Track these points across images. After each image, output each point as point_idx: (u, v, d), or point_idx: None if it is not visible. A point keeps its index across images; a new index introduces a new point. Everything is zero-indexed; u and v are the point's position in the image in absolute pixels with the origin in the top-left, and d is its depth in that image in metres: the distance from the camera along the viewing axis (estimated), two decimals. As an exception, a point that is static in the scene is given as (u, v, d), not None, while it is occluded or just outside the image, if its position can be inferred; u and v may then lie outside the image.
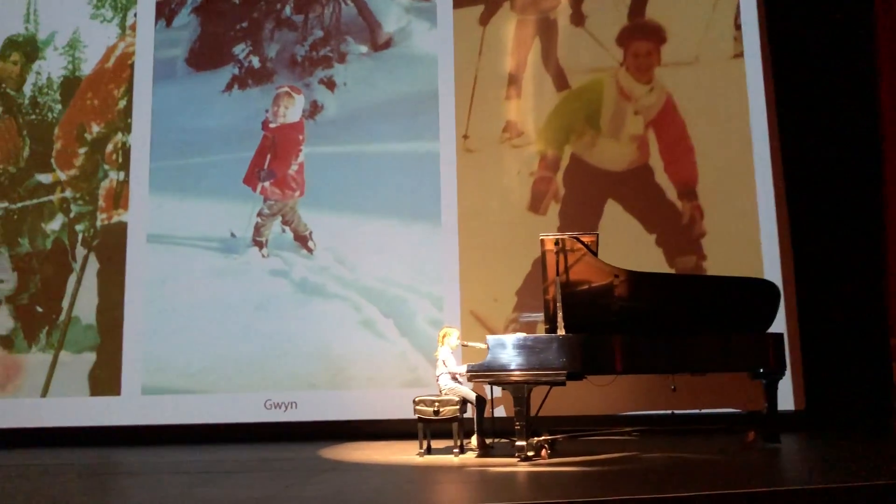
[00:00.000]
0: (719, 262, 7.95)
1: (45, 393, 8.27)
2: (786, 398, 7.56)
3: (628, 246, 8.03)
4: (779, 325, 7.36)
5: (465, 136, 8.43)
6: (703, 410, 7.61)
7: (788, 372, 7.58)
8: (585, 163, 8.33)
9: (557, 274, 5.93)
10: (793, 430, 7.13)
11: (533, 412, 6.28)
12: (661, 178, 8.20)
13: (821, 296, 7.78)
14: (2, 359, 8.36)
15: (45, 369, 8.31)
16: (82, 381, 8.26)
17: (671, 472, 5.11)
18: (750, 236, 7.98)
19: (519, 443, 5.58)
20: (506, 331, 7.93)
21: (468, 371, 5.81)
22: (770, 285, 6.25)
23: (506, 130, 8.44)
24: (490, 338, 5.79)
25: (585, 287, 6.08)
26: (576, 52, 8.49)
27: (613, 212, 8.20)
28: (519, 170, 8.38)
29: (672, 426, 7.34)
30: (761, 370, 6.02)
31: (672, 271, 7.96)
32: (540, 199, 8.31)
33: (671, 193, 8.16)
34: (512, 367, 5.62)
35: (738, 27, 8.34)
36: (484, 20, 8.63)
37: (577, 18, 8.55)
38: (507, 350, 5.66)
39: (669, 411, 7.66)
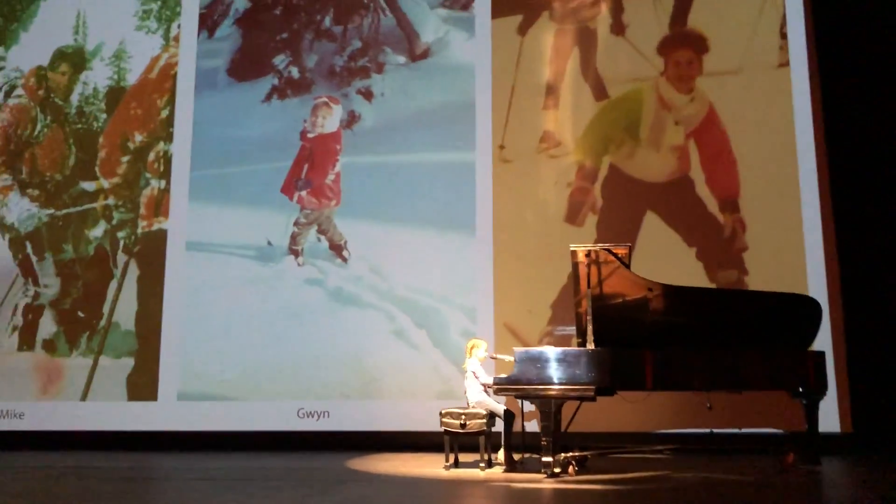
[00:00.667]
0: (762, 276, 7.71)
1: (84, 397, 8.42)
2: (831, 420, 7.29)
3: (668, 259, 7.86)
4: (823, 343, 7.13)
5: (502, 147, 8.36)
6: (743, 430, 7.38)
7: (834, 393, 7.37)
8: (624, 173, 8.18)
9: (589, 286, 5.80)
10: (837, 453, 6.85)
11: (563, 427, 6.19)
12: (703, 190, 8.00)
13: (869, 313, 7.49)
14: (44, 363, 8.54)
15: (86, 373, 8.46)
16: (120, 386, 8.38)
17: (702, 493, 4.93)
18: (794, 251, 7.73)
19: (545, 459, 5.46)
20: (540, 344, 7.81)
21: (495, 384, 5.71)
22: (811, 301, 6.02)
23: (543, 140, 8.34)
24: (517, 350, 5.69)
25: (618, 300, 5.94)
26: (615, 61, 8.37)
27: (653, 224, 8.02)
28: (556, 180, 8.27)
29: (708, 446, 7.12)
30: (801, 389, 5.78)
31: (712, 286, 7.75)
32: (577, 211, 8.19)
33: (712, 206, 7.95)
34: (539, 381, 5.51)
35: (783, 36, 8.12)
36: (522, 30, 8.56)
37: (618, 28, 8.42)
38: (535, 363, 5.55)
39: (707, 430, 7.44)
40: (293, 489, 5.05)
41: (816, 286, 7.56)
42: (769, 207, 7.86)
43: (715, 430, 7.43)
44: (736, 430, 7.42)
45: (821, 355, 5.86)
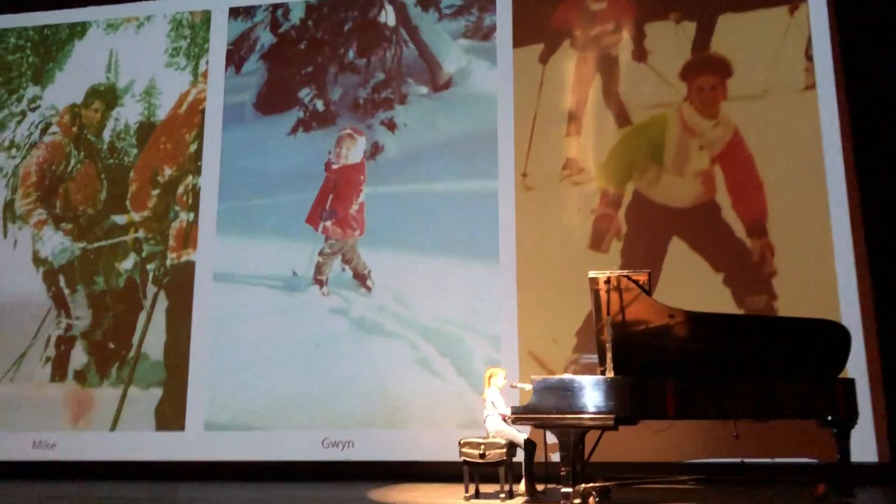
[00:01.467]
0: (792, 302, 7.55)
1: (114, 427, 8.51)
2: (867, 449, 7.08)
3: (694, 285, 7.74)
4: (857, 369, 6.96)
5: (525, 174, 8.35)
6: (776, 460, 7.19)
7: (870, 421, 7.16)
8: (649, 199, 8.11)
9: (608, 314, 5.73)
10: (874, 483, 6.63)
11: (586, 457, 6.08)
12: (729, 215, 7.89)
13: (906, 339, 7.28)
14: (75, 393, 8.66)
15: (115, 404, 8.55)
16: (149, 416, 8.46)
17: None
18: (825, 276, 7.56)
19: (564, 489, 5.37)
20: (566, 372, 7.72)
21: (512, 413, 5.65)
22: (839, 327, 5.86)
23: (566, 168, 8.32)
24: (535, 379, 5.63)
25: (639, 327, 5.85)
26: (638, 87, 8.33)
27: (678, 250, 7.93)
28: (579, 207, 8.22)
29: (738, 477, 6.94)
30: (830, 418, 5.61)
31: (740, 311, 7.61)
32: (601, 237, 8.13)
33: (739, 230, 7.83)
34: (557, 411, 5.44)
35: (809, 58, 8.03)
36: (544, 58, 8.58)
37: (640, 54, 8.40)
38: (552, 392, 5.48)
39: (738, 460, 7.26)
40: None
41: (849, 311, 7.39)
42: (798, 231, 7.72)
43: (746, 460, 7.26)
44: (768, 461, 7.24)
45: (850, 382, 5.68)
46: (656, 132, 8.22)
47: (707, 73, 8.20)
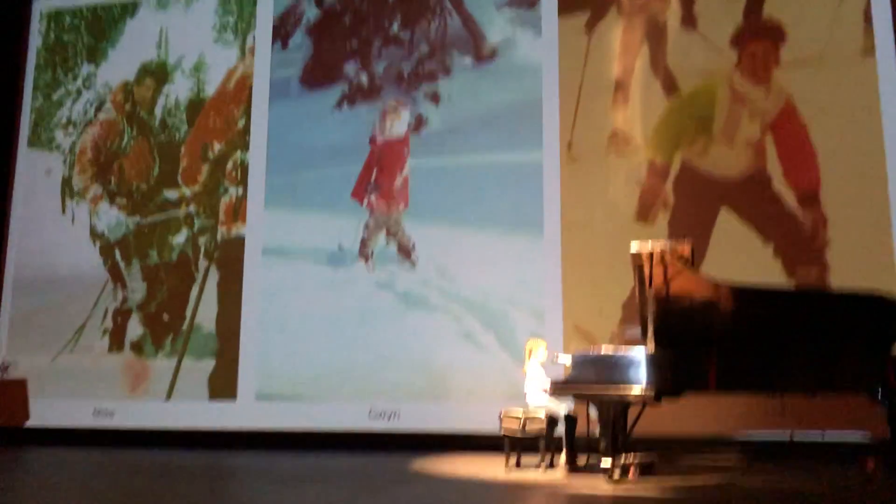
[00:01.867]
0: (845, 273, 7.34)
1: (169, 396, 8.78)
2: (923, 425, 6.86)
3: (743, 257, 7.60)
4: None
5: (570, 146, 8.25)
6: (826, 435, 7.04)
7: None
8: (697, 170, 7.94)
9: (650, 286, 5.65)
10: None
11: (629, 430, 6.04)
12: (780, 185, 7.69)
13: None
14: (132, 363, 8.96)
15: (170, 374, 8.82)
16: (202, 386, 8.70)
17: (766, 502, 4.73)
18: (881, 246, 7.33)
19: (604, 463, 5.35)
20: (611, 345, 7.66)
21: (552, 386, 5.64)
22: (891, 301, 5.67)
23: (612, 138, 8.19)
24: (575, 352, 5.61)
25: (681, 300, 5.74)
26: (686, 55, 8.13)
27: (727, 221, 7.76)
28: (626, 178, 8.10)
29: (786, 451, 6.82)
30: (880, 391, 5.46)
31: (791, 283, 7.44)
32: (648, 209, 8.00)
33: (791, 201, 7.63)
34: (596, 383, 5.41)
35: (868, 21, 7.71)
36: (590, 26, 8.43)
37: (689, 20, 8.18)
38: (592, 365, 5.45)
39: (787, 435, 7.14)
40: (347, 488, 5.13)
41: (906, 283, 7.14)
42: (853, 201, 7.48)
43: (795, 436, 7.13)
44: (819, 436, 7.10)
45: (901, 356, 5.51)
46: (705, 101, 8.02)
47: (759, 38, 7.95)
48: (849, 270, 7.34)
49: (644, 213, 8.00)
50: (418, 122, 8.67)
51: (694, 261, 5.81)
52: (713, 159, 7.91)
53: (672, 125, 8.08)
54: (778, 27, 7.92)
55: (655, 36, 8.25)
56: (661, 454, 6.16)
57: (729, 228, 7.73)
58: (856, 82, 7.66)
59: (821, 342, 5.56)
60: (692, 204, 7.89)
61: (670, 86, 8.14)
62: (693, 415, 6.40)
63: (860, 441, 6.88)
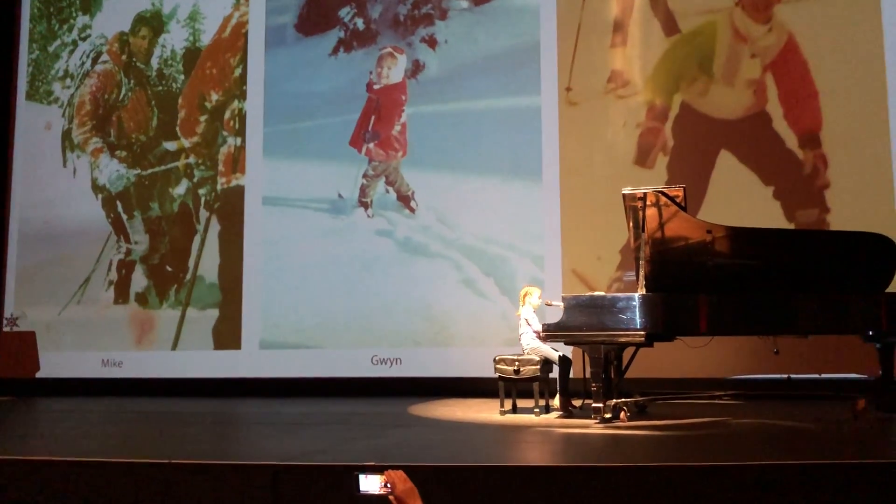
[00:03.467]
0: (845, 215, 7.28)
1: (175, 346, 8.92)
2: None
3: (743, 199, 7.55)
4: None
5: (568, 89, 8.15)
6: (823, 376, 7.08)
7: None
8: (697, 111, 7.84)
9: (642, 230, 5.64)
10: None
11: (624, 373, 6.10)
12: (780, 126, 7.58)
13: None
14: (138, 314, 9.08)
15: (175, 324, 8.94)
16: (207, 336, 8.82)
17: (756, 440, 4.80)
18: (882, 187, 7.25)
19: (595, 405, 5.42)
20: (608, 290, 7.69)
21: (543, 330, 5.68)
22: (884, 241, 5.63)
23: (611, 80, 8.08)
24: (565, 297, 5.63)
25: (674, 244, 5.74)
26: (687, -7, 7.95)
27: (727, 163, 7.69)
28: (625, 121, 8.01)
29: (772, 391, 6.87)
30: (871, 333, 5.46)
31: (791, 226, 7.39)
32: (647, 152, 7.93)
33: (791, 142, 7.53)
34: (586, 327, 5.44)
35: (873, -46, 7.49)
36: (588, -34, 8.24)
37: (689, -43, 7.98)
38: (583, 309, 5.48)
39: (784, 376, 7.19)
40: (343, 432, 5.24)
41: (906, 223, 7.08)
42: (854, 141, 7.38)
43: (793, 376, 7.18)
44: (815, 376, 7.14)
45: (893, 297, 5.50)
46: (705, 40, 7.88)
47: (761, -26, 7.75)
48: (849, 212, 7.28)
49: (643, 157, 7.93)
50: (415, 68, 8.58)
51: (687, 205, 5.79)
52: (713, 100, 7.80)
53: (672, 66, 7.95)
54: (780, -38, 7.71)
55: (655, -26, 8.06)
56: (657, 396, 6.22)
57: (729, 171, 7.66)
58: (859, 16, 7.48)
59: (814, 283, 5.57)
60: (691, 146, 7.81)
61: (670, 25, 7.98)
62: (691, 357, 6.43)
63: (857, 380, 6.91)
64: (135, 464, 3.77)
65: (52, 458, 4.03)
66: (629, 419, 5.52)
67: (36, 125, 9.72)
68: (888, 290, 5.64)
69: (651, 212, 5.69)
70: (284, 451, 4.47)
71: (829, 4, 7.55)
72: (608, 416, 5.41)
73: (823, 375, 7.08)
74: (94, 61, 9.62)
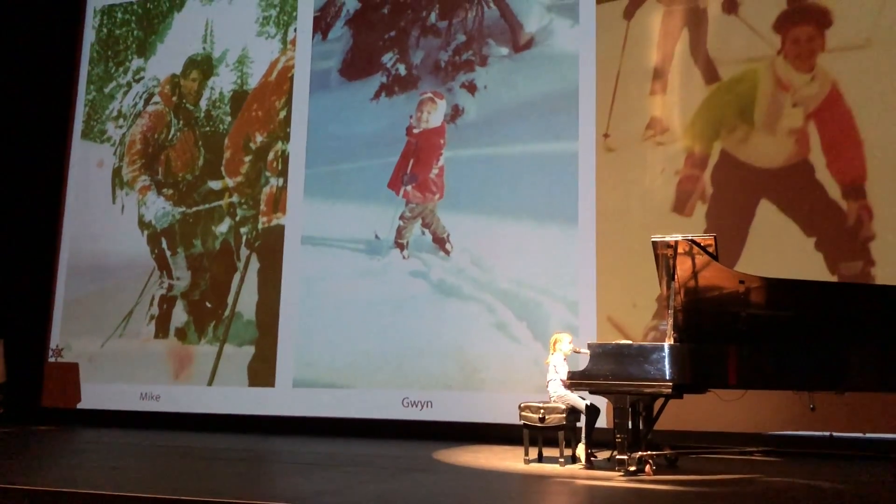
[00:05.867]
0: (891, 269, 7.06)
1: (211, 382, 9.03)
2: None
3: (784, 251, 7.39)
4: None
5: (606, 135, 8.14)
6: (867, 435, 6.81)
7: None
8: (737, 159, 7.74)
9: (672, 279, 5.55)
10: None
11: (655, 425, 5.95)
12: (823, 176, 7.43)
13: None
14: (177, 349, 9.23)
15: (212, 360, 9.06)
16: (242, 373, 8.92)
17: (786, 499, 4.60)
18: (930, 240, 7.02)
19: (619, 456, 5.29)
20: (644, 338, 7.57)
21: (568, 378, 5.59)
22: (926, 296, 5.43)
23: (649, 127, 8.04)
24: (591, 344, 5.55)
25: (706, 294, 5.63)
26: (727, 41, 7.92)
27: (767, 212, 7.55)
28: (663, 168, 7.95)
29: (809, 450, 6.62)
30: (912, 392, 5.24)
31: (833, 278, 7.19)
32: (685, 200, 7.84)
33: (834, 192, 7.37)
34: (612, 376, 5.34)
35: (920, 3, 7.36)
36: (629, 14, 8.28)
37: (730, 6, 7.96)
38: (609, 357, 5.38)
39: (827, 433, 6.93)
40: (359, 474, 5.19)
41: (955, 278, 6.83)
42: (900, 193, 7.17)
43: (835, 434, 6.92)
44: (859, 435, 6.87)
45: (936, 354, 5.27)
46: (746, 88, 7.80)
47: (803, 23, 7.68)
48: (895, 265, 7.05)
49: (681, 205, 7.84)
50: (455, 113, 8.67)
51: (718, 254, 5.68)
52: (754, 148, 7.70)
53: (712, 113, 7.88)
54: (823, 10, 7.64)
55: (695, 22, 8.05)
56: (686, 450, 6.04)
57: (769, 221, 7.51)
58: (906, 68, 7.33)
59: (849, 337, 5.38)
60: (731, 195, 7.69)
61: (710, 73, 7.94)
62: (726, 410, 6.25)
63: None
64: (141, 498, 3.79)
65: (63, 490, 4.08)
66: (656, 472, 5.36)
67: (89, 162, 10.07)
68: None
69: (682, 260, 5.60)
70: (295, 491, 4.46)
71: (874, 53, 7.43)
72: (633, 468, 5.27)
73: (868, 435, 6.81)
74: (147, 102, 9.97)
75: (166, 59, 9.98)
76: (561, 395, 5.96)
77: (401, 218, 8.67)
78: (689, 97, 7.97)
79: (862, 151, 7.35)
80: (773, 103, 7.69)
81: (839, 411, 6.59)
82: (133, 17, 10.23)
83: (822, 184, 7.42)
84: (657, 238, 5.66)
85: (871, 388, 5.36)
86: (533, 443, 6.05)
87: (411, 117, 8.83)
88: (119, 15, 10.31)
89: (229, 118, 9.57)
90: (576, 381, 5.52)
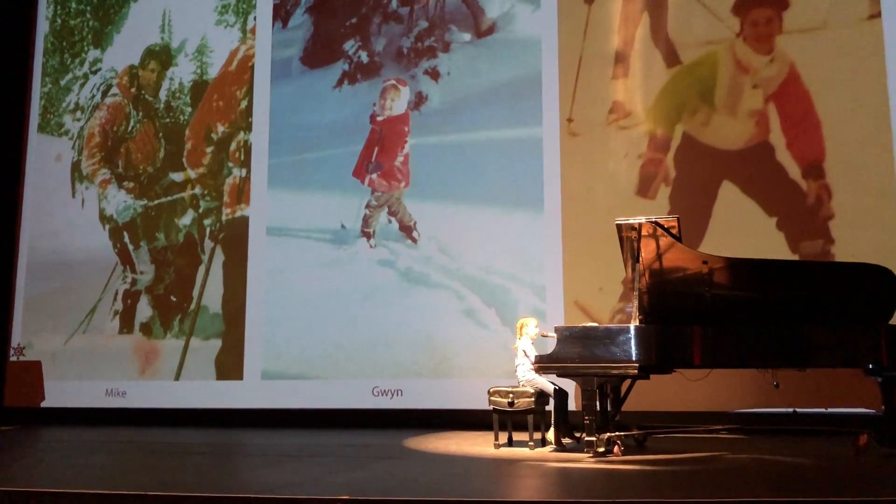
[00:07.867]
0: (850, 246, 7.18)
1: (178, 376, 8.93)
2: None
3: (746, 230, 7.48)
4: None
5: (570, 120, 8.16)
6: (829, 410, 6.94)
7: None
8: (698, 142, 7.81)
9: (637, 261, 5.60)
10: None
11: (622, 406, 6.00)
12: (783, 156, 7.53)
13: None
14: (142, 345, 9.11)
15: (178, 354, 8.96)
16: (209, 366, 8.83)
17: (750, 476, 4.68)
18: (887, 217, 7.15)
19: (588, 438, 5.34)
20: (611, 321, 7.63)
21: (536, 362, 5.62)
22: (885, 272, 5.53)
23: (612, 111, 8.08)
24: (558, 328, 5.58)
25: (669, 275, 5.69)
26: (688, 24, 7.97)
27: (729, 194, 7.63)
28: (626, 152, 8.00)
29: (776, 426, 6.74)
30: (871, 366, 5.34)
31: (794, 257, 7.31)
32: (649, 183, 7.90)
33: (794, 172, 7.47)
34: (579, 359, 5.38)
35: (874, -16, 7.47)
36: (590, -2, 8.29)
37: (690, -11, 8.00)
38: (576, 340, 5.42)
39: (790, 410, 7.05)
40: (329, 464, 5.18)
41: (912, 255, 6.96)
42: (858, 171, 7.30)
43: (798, 410, 7.04)
44: (822, 410, 6.99)
45: (894, 329, 5.39)
46: (707, 71, 7.87)
47: (761, 5, 7.75)
48: (854, 243, 7.18)
49: (645, 188, 7.89)
50: (418, 100, 8.63)
51: (682, 235, 5.74)
52: (715, 131, 7.77)
53: (673, 97, 7.94)
54: (781, -7, 7.71)
55: (656, 6, 8.09)
56: (654, 430, 6.11)
57: (732, 202, 7.60)
58: (861, 48, 7.44)
59: (812, 315, 5.47)
60: (694, 177, 7.77)
61: (671, 56, 7.99)
62: (693, 390, 6.33)
63: (870, 415, 6.76)
64: (111, 495, 3.74)
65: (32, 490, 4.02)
66: (624, 453, 5.42)
67: (47, 157, 9.87)
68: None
69: (647, 242, 5.65)
70: (264, 482, 4.43)
71: (831, 35, 7.53)
72: (601, 449, 5.32)
73: (830, 410, 6.94)
74: (105, 94, 9.79)
75: (124, 50, 9.80)
76: (529, 380, 5.98)
77: (367, 207, 8.62)
78: (651, 81, 8.02)
79: (820, 132, 7.45)
80: (733, 85, 7.77)
81: (802, 388, 6.70)
82: (88, 7, 10.02)
83: (782, 164, 7.51)
84: (621, 221, 5.70)
85: (832, 365, 5.46)
86: (503, 427, 6.07)
87: (374, 105, 8.78)
88: (73, 5, 10.09)
89: (190, 109, 9.43)
90: (544, 364, 5.55)
